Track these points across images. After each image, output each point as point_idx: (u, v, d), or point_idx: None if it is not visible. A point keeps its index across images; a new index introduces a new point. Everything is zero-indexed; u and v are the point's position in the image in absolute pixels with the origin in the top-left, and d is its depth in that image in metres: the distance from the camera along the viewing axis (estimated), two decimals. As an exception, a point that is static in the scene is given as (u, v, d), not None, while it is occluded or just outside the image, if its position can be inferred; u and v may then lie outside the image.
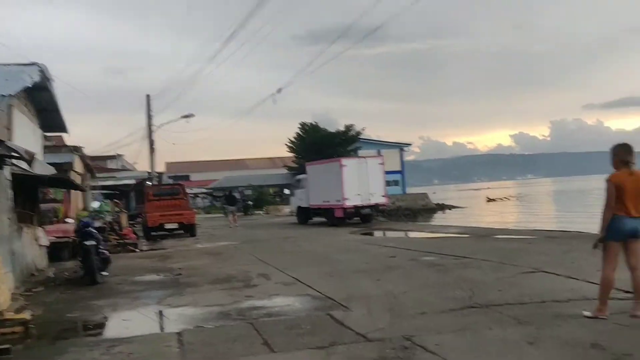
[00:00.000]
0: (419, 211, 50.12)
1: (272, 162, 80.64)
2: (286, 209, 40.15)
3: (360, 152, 49.25)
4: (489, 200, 73.00)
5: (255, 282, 10.65)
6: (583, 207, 43.66)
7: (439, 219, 43.74)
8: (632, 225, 6.29)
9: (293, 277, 10.81)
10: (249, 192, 55.48)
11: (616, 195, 6.25)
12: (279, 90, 28.26)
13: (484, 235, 19.24)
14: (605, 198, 6.36)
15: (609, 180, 6.35)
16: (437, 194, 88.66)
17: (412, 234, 22.84)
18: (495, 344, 5.61)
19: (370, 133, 70.18)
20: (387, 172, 29.95)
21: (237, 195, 41.43)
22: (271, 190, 58.02)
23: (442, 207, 56.04)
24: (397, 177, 58.00)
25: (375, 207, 26.80)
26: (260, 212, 48.43)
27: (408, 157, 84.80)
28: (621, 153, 6.40)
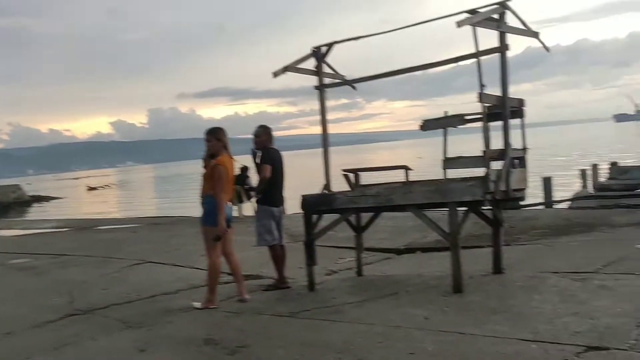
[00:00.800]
0: (10, 205, 45.77)
1: None
2: None
3: None
4: (90, 188, 72.32)
5: None
6: (179, 192, 45.92)
7: (35, 212, 41.03)
8: (230, 211, 6.27)
9: None
10: None
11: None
12: None
13: (85, 227, 18.10)
14: (216, 184, 5.92)
15: (220, 165, 5.99)
16: (33, 185, 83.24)
17: (0, 233, 20.11)
18: (102, 357, 4.86)
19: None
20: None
21: None
22: None
23: (39, 199, 52.90)
24: (-19, 168, 51.40)
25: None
26: None
27: (-5, 146, 76.20)
28: (224, 137, 6.20)
